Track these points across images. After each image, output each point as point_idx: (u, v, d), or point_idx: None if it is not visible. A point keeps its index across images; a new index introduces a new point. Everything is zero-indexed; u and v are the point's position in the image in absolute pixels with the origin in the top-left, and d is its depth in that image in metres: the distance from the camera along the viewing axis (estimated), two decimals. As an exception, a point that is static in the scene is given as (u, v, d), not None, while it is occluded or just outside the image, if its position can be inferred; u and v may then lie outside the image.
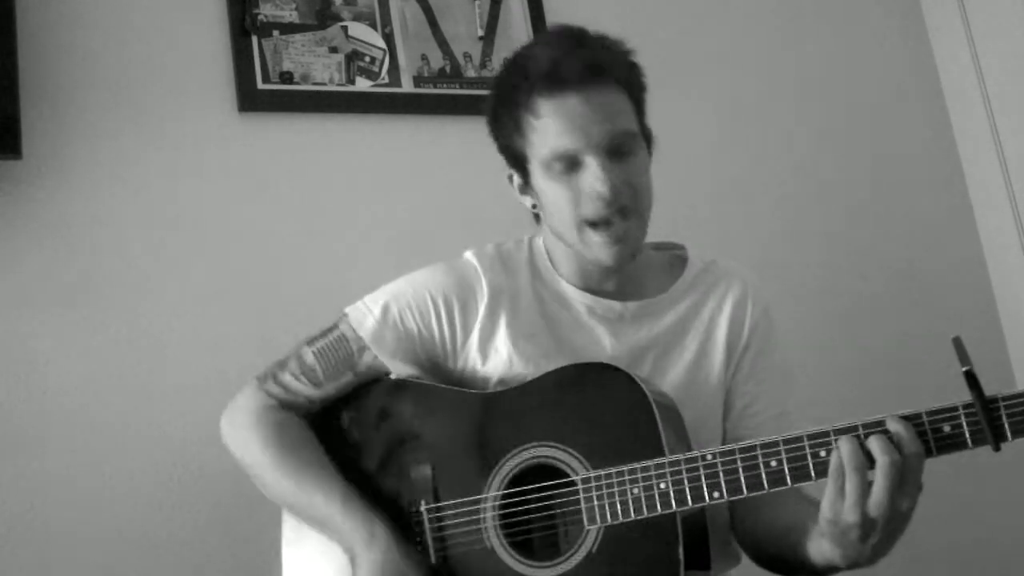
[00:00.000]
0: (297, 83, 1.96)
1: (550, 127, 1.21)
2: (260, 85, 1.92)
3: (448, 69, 2.11)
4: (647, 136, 1.30)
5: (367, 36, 2.05)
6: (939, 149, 2.64)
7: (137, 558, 1.66)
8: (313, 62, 1.98)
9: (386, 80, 2.04)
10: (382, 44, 2.06)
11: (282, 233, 1.90)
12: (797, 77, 2.51)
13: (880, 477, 0.99)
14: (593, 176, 1.20)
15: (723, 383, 1.34)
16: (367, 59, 2.04)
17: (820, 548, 1.08)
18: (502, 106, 1.27)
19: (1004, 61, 2.52)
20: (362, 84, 2.02)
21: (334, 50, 2.01)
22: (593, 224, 1.23)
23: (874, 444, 1.00)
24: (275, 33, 1.96)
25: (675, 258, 1.41)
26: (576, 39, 1.23)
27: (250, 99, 1.91)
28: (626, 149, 1.22)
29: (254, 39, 1.94)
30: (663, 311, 1.33)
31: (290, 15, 1.99)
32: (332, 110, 1.98)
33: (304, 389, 1.32)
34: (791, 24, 2.54)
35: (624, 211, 1.22)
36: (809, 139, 2.47)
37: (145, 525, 1.68)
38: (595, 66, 1.20)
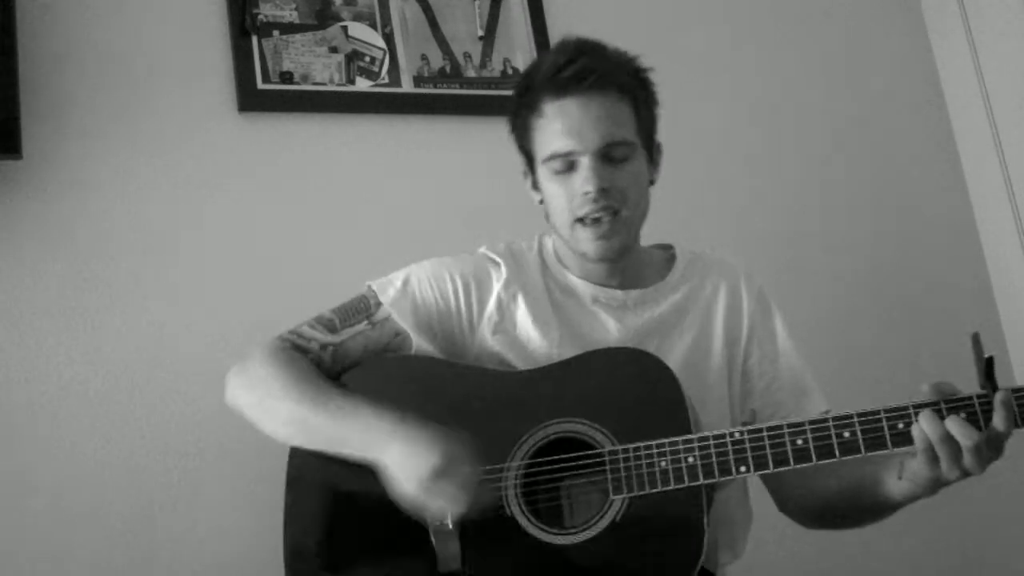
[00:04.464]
0: (297, 83, 1.96)
1: (550, 128, 1.31)
2: (260, 85, 1.92)
3: (448, 69, 2.11)
4: (650, 147, 1.37)
5: (367, 36, 2.05)
6: (939, 149, 2.64)
7: (136, 557, 1.67)
8: (313, 62, 1.98)
9: (386, 80, 2.04)
10: (382, 44, 2.06)
11: (282, 233, 1.90)
12: (797, 78, 2.50)
13: (966, 454, 1.08)
14: (583, 177, 1.29)
15: (727, 367, 1.41)
16: (367, 59, 2.03)
17: (911, 493, 1.18)
18: (516, 108, 1.38)
19: (1004, 61, 2.52)
20: (362, 84, 2.02)
21: (334, 50, 2.01)
22: (581, 220, 1.32)
23: (952, 425, 1.08)
24: (275, 33, 1.96)
25: (668, 255, 1.50)
26: (583, 49, 1.31)
27: (250, 99, 1.91)
28: (619, 156, 1.31)
29: (254, 39, 1.94)
30: (662, 298, 1.42)
31: (290, 15, 1.99)
32: (332, 110, 1.98)
33: (318, 335, 1.36)
34: (791, 25, 2.54)
35: (610, 210, 1.31)
36: (809, 139, 2.47)
37: (146, 524, 1.68)
38: (596, 72, 1.29)
